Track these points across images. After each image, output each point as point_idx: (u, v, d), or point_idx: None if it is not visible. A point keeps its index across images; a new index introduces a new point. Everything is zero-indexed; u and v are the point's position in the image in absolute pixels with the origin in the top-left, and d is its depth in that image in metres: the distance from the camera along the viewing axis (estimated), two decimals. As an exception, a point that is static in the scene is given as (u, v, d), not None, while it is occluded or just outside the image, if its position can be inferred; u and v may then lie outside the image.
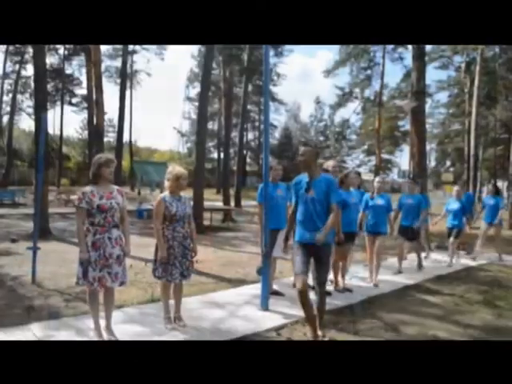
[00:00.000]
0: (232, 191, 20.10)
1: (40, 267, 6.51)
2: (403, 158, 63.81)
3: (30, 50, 26.63)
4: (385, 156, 45.02)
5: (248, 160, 48.53)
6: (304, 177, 4.18)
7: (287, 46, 31.00)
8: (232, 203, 19.48)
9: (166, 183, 4.40)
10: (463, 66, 24.13)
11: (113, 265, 3.79)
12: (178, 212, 4.28)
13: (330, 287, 5.98)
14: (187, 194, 4.66)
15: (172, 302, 4.51)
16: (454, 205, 8.56)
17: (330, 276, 6.24)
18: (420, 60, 10.51)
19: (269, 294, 5.13)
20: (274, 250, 5.39)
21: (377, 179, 6.87)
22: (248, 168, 46.84)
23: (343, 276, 6.18)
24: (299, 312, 4.41)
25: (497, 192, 9.27)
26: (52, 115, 36.50)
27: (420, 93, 10.31)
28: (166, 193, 4.40)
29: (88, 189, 3.83)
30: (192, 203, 4.61)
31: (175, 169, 4.42)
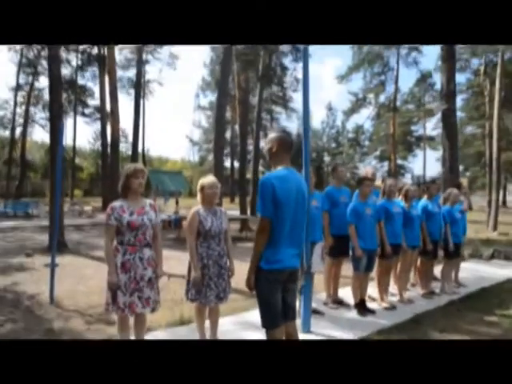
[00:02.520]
0: (246, 199, 19.69)
1: (57, 284, 6.13)
2: (415, 164, 63.08)
3: (44, 61, 26.69)
4: (398, 161, 44.40)
5: (261, 168, 48.11)
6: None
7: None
8: (248, 212, 19.07)
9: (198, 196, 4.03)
10: (482, 68, 23.57)
11: (144, 288, 3.37)
12: (212, 227, 3.87)
13: (373, 304, 5.51)
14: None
15: (207, 324, 4.09)
16: None
17: (372, 292, 5.78)
18: (449, 61, 10.02)
19: (310, 314, 4.67)
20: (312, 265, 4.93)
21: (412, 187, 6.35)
22: (260, 176, 46.36)
23: (386, 292, 5.70)
24: (342, 333, 4.17)
25: None
26: (65, 126, 36.55)
27: (450, 95, 9.83)
28: (200, 206, 4.00)
29: (117, 204, 3.41)
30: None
31: (202, 179, 4.03)
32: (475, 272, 7.82)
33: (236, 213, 17.97)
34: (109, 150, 18.52)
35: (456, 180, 9.85)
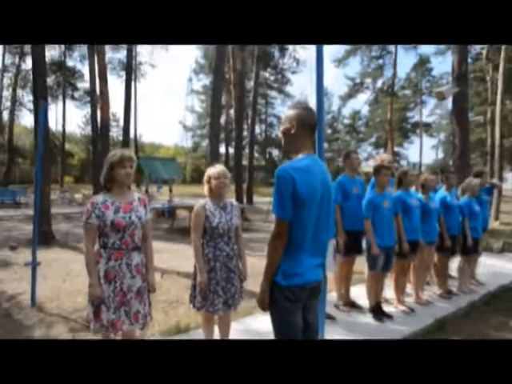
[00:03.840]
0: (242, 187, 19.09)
1: (41, 282, 5.56)
2: (411, 150, 62.94)
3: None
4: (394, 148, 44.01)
5: (255, 154, 47.49)
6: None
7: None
8: (244, 200, 18.50)
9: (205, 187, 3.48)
10: (484, 52, 22.92)
11: (132, 301, 2.80)
12: (220, 224, 3.33)
13: (389, 307, 4.99)
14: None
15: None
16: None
17: (388, 294, 5.27)
18: (461, 41, 9.35)
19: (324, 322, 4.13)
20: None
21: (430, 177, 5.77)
22: (255, 162, 45.79)
23: (403, 294, 5.18)
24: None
25: None
26: (54, 111, 35.60)
27: (462, 77, 9.21)
28: (207, 199, 3.46)
29: (99, 198, 2.82)
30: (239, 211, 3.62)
31: (210, 168, 3.48)
32: (489, 267, 7.32)
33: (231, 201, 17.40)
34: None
35: (467, 168, 9.34)
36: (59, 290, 5.75)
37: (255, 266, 7.41)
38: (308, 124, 2.29)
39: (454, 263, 6.16)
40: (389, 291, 5.27)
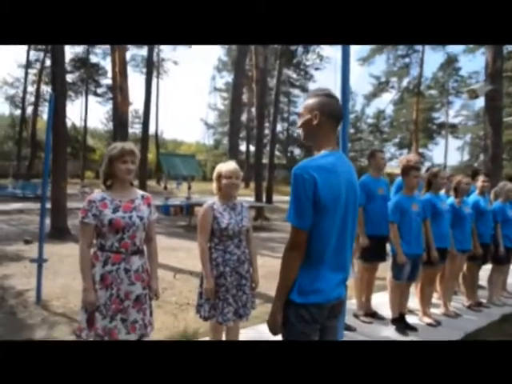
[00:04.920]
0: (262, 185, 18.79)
1: (50, 279, 5.42)
2: (435, 152, 61.60)
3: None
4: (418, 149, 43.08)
5: (277, 153, 47.13)
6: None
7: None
8: (263, 199, 18.20)
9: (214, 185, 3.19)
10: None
11: (129, 309, 2.52)
12: (230, 225, 3.03)
13: (413, 319, 4.63)
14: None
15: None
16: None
17: (413, 304, 4.90)
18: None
19: (343, 335, 3.80)
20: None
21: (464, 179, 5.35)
22: (276, 161, 45.43)
23: (429, 305, 4.80)
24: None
25: None
26: (79, 106, 36.07)
27: (497, 75, 8.68)
28: (215, 199, 3.17)
29: (97, 196, 2.55)
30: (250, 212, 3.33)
31: (221, 165, 3.19)
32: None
33: (251, 199, 17.14)
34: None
35: (499, 170, 8.82)
36: (68, 288, 5.56)
37: (272, 267, 7.12)
38: (332, 114, 1.93)
39: (483, 271, 5.73)
40: (413, 300, 4.90)
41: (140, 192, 2.72)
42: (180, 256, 8.11)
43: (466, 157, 47.57)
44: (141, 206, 2.61)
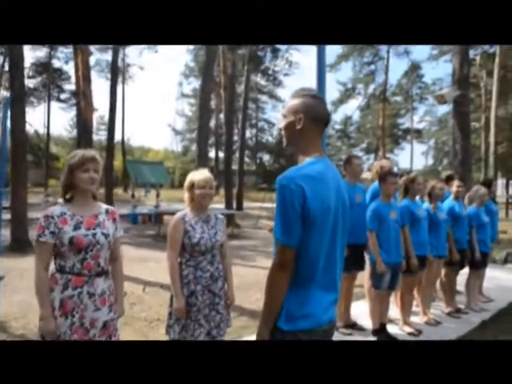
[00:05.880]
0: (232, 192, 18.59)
1: (7, 296, 5.00)
2: (401, 157, 62.96)
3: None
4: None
5: (246, 159, 47.07)
6: None
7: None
8: (234, 205, 17.99)
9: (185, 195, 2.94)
10: (478, 58, 22.73)
11: (97, 338, 2.26)
12: (202, 240, 2.79)
13: (394, 328, 4.51)
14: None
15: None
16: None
17: (393, 314, 4.79)
18: (462, 43, 9.03)
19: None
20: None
21: (438, 184, 5.30)
22: (245, 167, 45.38)
23: (410, 314, 4.70)
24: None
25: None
26: (41, 113, 34.94)
27: (464, 80, 8.82)
28: (187, 210, 2.92)
29: (56, 210, 2.27)
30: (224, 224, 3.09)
31: (193, 173, 2.95)
32: (495, 280, 6.90)
33: (221, 206, 16.89)
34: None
35: (468, 174, 8.96)
36: (28, 307, 5.16)
37: (245, 277, 6.92)
38: (318, 117, 1.75)
39: (460, 276, 5.70)
40: (393, 309, 4.79)
41: (104, 206, 2.45)
42: (149, 267, 7.79)
43: (431, 161, 48.87)
44: (105, 222, 2.34)
